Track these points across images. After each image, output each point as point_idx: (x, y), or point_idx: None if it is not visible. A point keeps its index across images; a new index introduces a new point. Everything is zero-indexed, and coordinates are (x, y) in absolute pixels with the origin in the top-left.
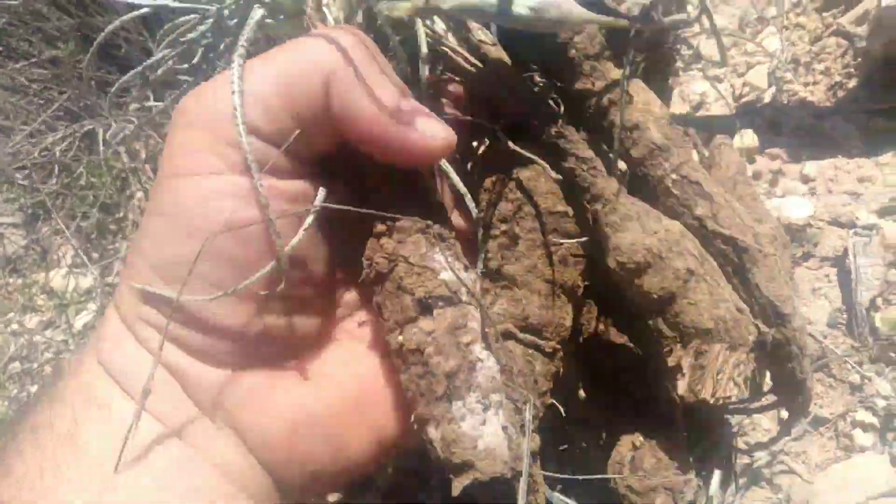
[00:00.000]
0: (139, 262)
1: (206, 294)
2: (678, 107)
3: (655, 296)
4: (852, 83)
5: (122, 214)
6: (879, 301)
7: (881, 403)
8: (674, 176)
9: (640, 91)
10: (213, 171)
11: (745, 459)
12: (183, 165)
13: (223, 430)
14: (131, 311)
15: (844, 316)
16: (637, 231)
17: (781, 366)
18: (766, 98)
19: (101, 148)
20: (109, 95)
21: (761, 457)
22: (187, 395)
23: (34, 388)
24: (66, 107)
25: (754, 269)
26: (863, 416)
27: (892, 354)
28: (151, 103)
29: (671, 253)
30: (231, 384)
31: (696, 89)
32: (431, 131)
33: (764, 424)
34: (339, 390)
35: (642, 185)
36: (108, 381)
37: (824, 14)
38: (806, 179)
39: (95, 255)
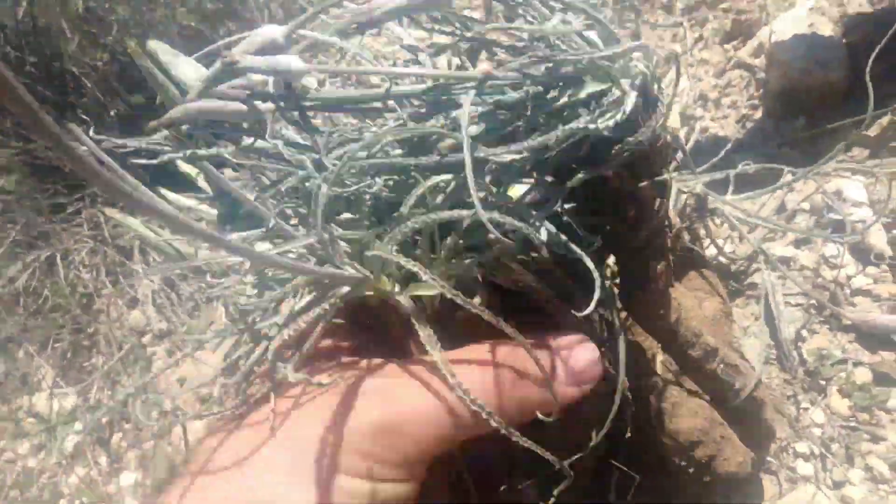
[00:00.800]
0: None
1: None
2: None
3: (704, 459)
4: (758, 114)
5: (92, 330)
6: (805, 332)
7: (817, 432)
8: (721, 366)
9: (684, 296)
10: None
11: None
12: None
13: None
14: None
15: (774, 351)
16: (687, 416)
17: None
18: (682, 137)
19: (62, 271)
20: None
21: None
22: None
23: None
24: (19, 241)
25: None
26: (802, 447)
27: (822, 382)
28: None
29: (711, 427)
30: None
31: None
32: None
33: None
34: None
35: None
36: None
37: (726, 47)
38: (724, 217)
39: (73, 373)
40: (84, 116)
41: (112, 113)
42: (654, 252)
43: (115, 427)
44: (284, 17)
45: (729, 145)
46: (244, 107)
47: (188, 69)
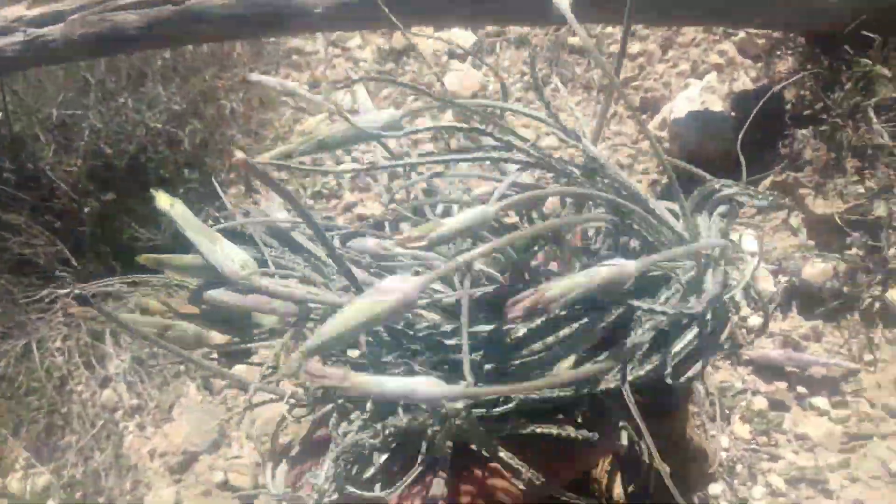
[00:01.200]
0: None
1: None
2: None
3: None
4: (665, 179)
5: (66, 410)
6: (709, 368)
7: (724, 455)
8: None
9: None
10: None
11: None
12: None
13: None
14: None
15: None
16: None
17: None
18: None
19: (37, 356)
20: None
21: None
22: None
23: None
24: None
25: None
26: (711, 469)
27: (726, 411)
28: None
29: None
30: None
31: None
32: None
33: None
34: None
35: None
36: None
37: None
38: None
39: (47, 452)
40: (56, 215)
41: (86, 210)
42: None
43: (88, 499)
44: (244, 111)
45: None
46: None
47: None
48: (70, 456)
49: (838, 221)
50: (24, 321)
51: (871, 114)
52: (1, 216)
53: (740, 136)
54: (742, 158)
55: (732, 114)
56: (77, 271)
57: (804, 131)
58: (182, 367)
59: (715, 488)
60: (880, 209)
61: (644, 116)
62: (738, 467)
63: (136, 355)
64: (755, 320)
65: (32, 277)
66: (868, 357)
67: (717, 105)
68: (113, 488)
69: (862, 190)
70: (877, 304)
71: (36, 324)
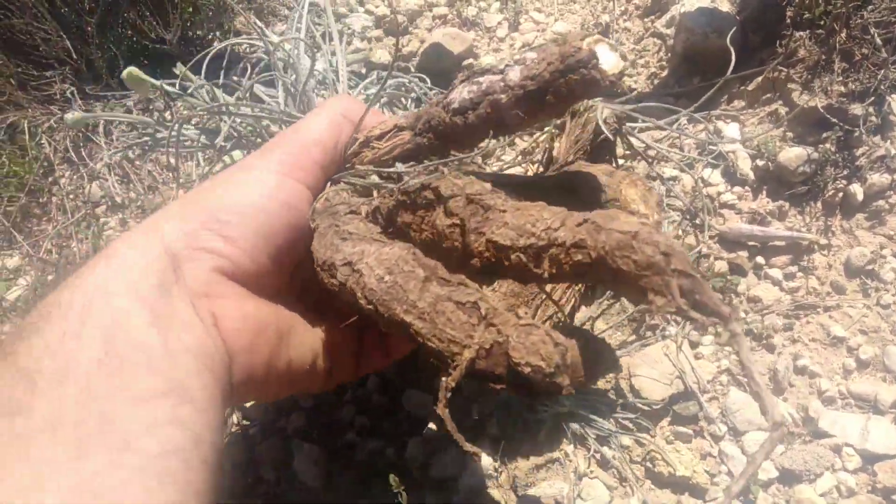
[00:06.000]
0: (208, 201)
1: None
2: None
3: None
4: (664, 73)
5: (45, 199)
6: (680, 233)
7: None
8: None
9: None
10: (286, 174)
11: None
12: (261, 165)
13: (203, 315)
14: (173, 228)
15: None
16: None
17: None
18: None
19: (27, 137)
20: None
21: None
22: (179, 281)
23: None
24: None
25: None
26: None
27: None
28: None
29: None
30: (223, 283)
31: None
32: None
33: None
34: (284, 323)
35: None
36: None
37: (645, 19)
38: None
39: (20, 237)
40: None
41: None
42: None
43: (60, 283)
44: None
45: (639, 95)
46: None
47: None
48: (45, 242)
49: (819, 115)
50: (20, 99)
51: (867, 18)
52: None
53: (730, 35)
54: (733, 53)
55: (738, 16)
56: (76, 65)
57: (801, 33)
58: (170, 175)
59: (670, 330)
60: (857, 110)
61: (653, 16)
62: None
63: (125, 156)
64: (728, 197)
65: (30, 65)
66: (823, 241)
67: (725, 6)
68: None
69: (844, 90)
70: (839, 195)
71: (31, 104)
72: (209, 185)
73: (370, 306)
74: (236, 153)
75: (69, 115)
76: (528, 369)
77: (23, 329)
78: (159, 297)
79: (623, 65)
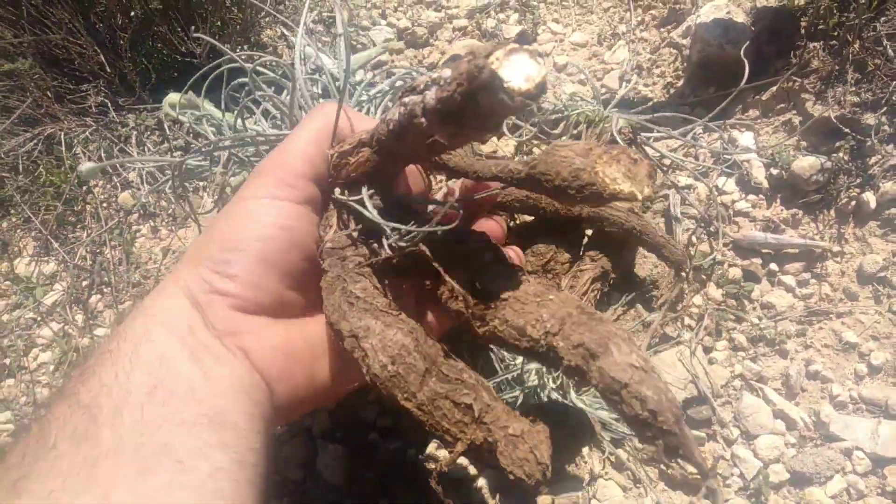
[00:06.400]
0: (211, 244)
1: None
2: None
3: None
4: (680, 83)
5: (80, 207)
6: (694, 239)
7: (695, 311)
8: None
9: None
10: (276, 197)
11: None
12: (252, 193)
13: (233, 350)
14: (190, 275)
15: None
16: None
17: None
18: (618, 95)
19: (63, 148)
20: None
21: None
22: (207, 324)
23: (6, 361)
24: (27, 115)
25: None
26: (685, 321)
27: (703, 276)
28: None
29: None
30: (244, 320)
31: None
32: None
33: None
34: (315, 339)
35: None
36: (152, 319)
37: (661, 29)
38: (645, 151)
39: (56, 244)
40: (100, 17)
41: (131, 14)
42: None
43: (94, 290)
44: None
45: (654, 104)
46: None
47: None
48: (80, 249)
49: (832, 124)
50: (56, 112)
51: (881, 29)
52: (46, 8)
53: (744, 47)
54: (747, 64)
55: (752, 27)
56: (110, 78)
57: (815, 44)
58: (202, 184)
59: (685, 335)
60: (870, 119)
61: (668, 26)
62: (707, 321)
63: (158, 165)
64: (742, 205)
65: (66, 78)
66: (836, 249)
67: (741, 17)
68: (120, 281)
69: (857, 100)
70: (852, 203)
71: (67, 116)
72: (213, 223)
73: (373, 383)
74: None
75: (82, 167)
76: (511, 476)
77: (83, 373)
78: (193, 338)
79: (545, 71)
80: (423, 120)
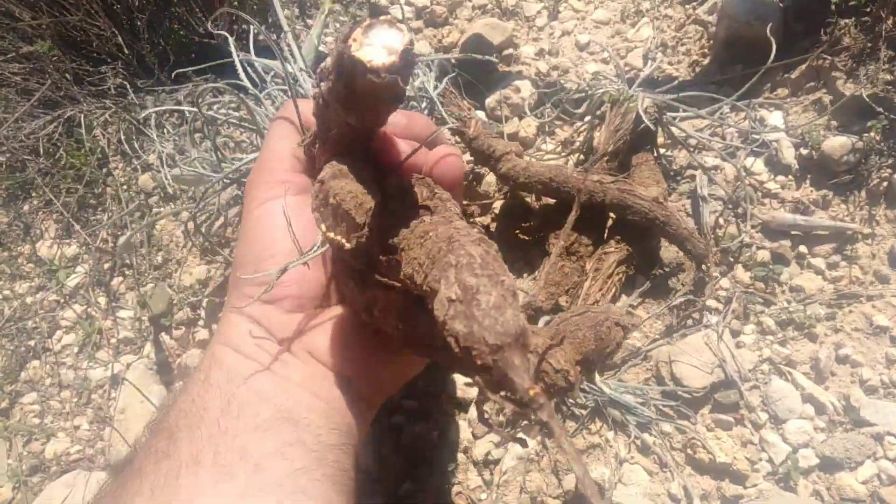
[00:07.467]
0: (245, 265)
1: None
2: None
3: None
4: (706, 61)
5: (100, 190)
6: (721, 221)
7: (723, 294)
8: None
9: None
10: (275, 197)
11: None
12: (255, 204)
13: (298, 353)
14: (239, 299)
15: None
16: None
17: None
18: (643, 74)
19: (83, 130)
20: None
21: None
22: (269, 335)
23: (31, 343)
24: (47, 97)
25: None
26: (711, 303)
27: (731, 259)
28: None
29: None
30: (302, 319)
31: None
32: None
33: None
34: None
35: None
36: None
37: (686, 6)
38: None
39: (77, 227)
40: None
41: None
42: None
43: (116, 272)
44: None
45: (679, 82)
46: None
47: None
48: (101, 231)
49: (864, 103)
50: (76, 94)
51: None
52: None
53: (769, 26)
54: (773, 42)
55: (780, 3)
56: (128, 60)
57: (846, 21)
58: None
59: (711, 319)
60: None
61: (694, 3)
62: (735, 304)
63: (178, 145)
64: (771, 186)
65: (85, 60)
66: (867, 231)
67: None
68: (142, 263)
69: (890, 78)
70: (884, 184)
71: (87, 98)
72: (238, 246)
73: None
74: None
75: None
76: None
77: (169, 405)
78: (259, 351)
79: (408, 38)
80: (333, 109)
